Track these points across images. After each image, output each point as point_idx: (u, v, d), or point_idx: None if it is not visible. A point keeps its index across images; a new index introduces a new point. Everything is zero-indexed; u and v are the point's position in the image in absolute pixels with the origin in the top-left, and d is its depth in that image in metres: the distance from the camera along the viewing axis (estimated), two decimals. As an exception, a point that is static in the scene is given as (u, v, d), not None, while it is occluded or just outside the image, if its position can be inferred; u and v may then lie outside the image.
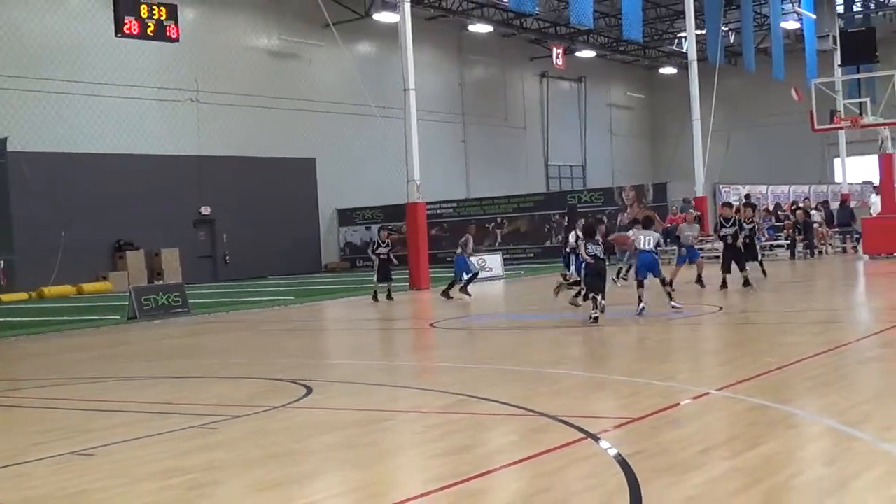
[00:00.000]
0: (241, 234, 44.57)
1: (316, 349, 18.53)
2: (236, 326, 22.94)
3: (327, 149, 48.66)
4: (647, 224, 21.06)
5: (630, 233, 21.52)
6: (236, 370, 14.83)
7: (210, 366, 15.83)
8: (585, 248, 19.12)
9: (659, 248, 20.35)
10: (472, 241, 29.48)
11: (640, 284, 19.91)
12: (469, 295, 27.69)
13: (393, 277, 28.10)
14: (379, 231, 29.43)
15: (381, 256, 27.76)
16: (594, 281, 18.96)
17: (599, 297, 18.73)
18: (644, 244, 19.97)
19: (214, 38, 44.81)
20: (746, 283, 24.06)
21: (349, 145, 49.42)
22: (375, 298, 27.80)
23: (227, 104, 44.47)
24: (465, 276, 28.20)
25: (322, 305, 28.29)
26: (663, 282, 20.23)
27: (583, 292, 20.80)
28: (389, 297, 27.82)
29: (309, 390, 12.12)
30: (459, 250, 28.84)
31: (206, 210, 44.02)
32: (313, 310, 27.05)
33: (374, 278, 27.90)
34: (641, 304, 19.37)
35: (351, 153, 49.56)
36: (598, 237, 19.47)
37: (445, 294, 27.89)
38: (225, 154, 44.27)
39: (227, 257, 44.57)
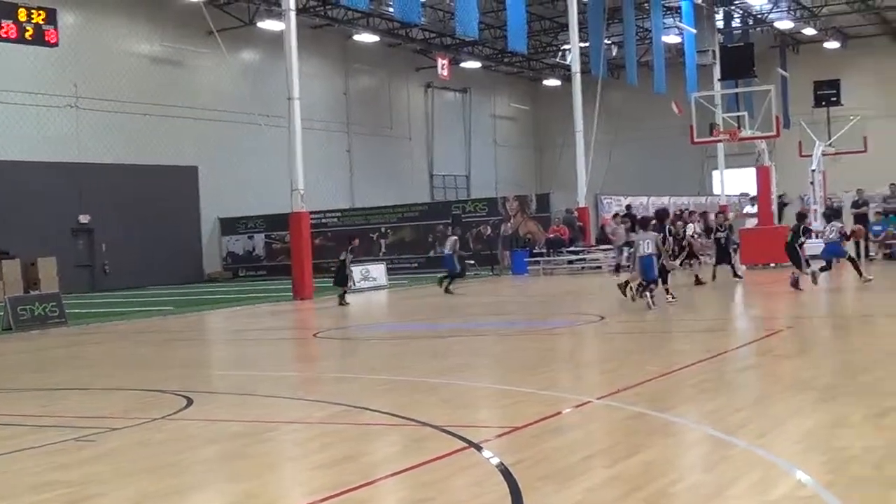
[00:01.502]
0: (121, 243, 43.82)
1: (197, 360, 18.31)
2: (115, 337, 22.60)
3: (210, 157, 48.15)
4: (643, 226, 22.55)
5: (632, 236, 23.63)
6: (114, 381, 14.62)
7: (87, 377, 15.58)
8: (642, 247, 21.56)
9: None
10: (458, 242, 33.50)
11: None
12: (451, 293, 30.72)
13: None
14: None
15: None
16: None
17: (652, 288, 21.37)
18: (644, 248, 21.47)
19: (95, 43, 44.06)
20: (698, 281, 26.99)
21: (233, 154, 48.97)
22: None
23: (107, 111, 43.74)
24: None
25: (203, 315, 28.01)
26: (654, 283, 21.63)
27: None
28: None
29: (190, 401, 11.98)
30: (448, 250, 32.60)
31: (85, 218, 43.22)
32: (194, 320, 26.76)
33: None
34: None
35: (234, 162, 49.13)
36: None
37: (447, 290, 31.04)
38: (105, 161, 43.50)
39: (107, 267, 43.82)
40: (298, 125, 32.38)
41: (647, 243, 21.49)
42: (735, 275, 29.43)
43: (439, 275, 33.52)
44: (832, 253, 26.04)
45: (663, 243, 22.63)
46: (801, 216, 27.41)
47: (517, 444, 8.76)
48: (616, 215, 37.93)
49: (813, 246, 28.06)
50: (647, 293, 21.36)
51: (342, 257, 29.30)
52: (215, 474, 8.53)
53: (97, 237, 43.72)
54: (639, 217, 25.45)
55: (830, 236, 25.92)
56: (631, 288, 23.05)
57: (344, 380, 13.70)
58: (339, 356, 17.50)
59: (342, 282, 28.97)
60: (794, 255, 25.17)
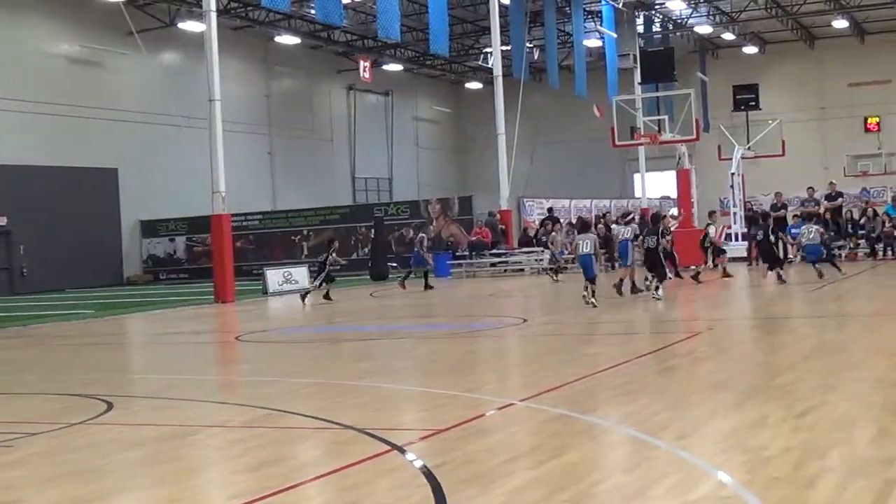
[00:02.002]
0: (40, 245, 43.19)
1: (117, 364, 18.10)
2: (33, 341, 22.30)
3: (131, 159, 47.58)
4: (583, 229, 23.81)
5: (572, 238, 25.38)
6: (32, 386, 14.43)
7: (5, 382, 15.34)
8: (644, 242, 23.95)
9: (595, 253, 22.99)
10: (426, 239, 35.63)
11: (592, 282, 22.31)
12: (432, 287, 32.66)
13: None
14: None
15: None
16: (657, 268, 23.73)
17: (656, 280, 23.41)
18: (583, 248, 22.51)
19: (11, 43, 43.39)
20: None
21: (153, 156, 48.45)
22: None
23: (25, 111, 43.06)
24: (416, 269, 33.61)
25: (123, 319, 27.72)
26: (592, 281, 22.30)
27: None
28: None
29: (110, 406, 11.84)
30: (416, 247, 34.51)
31: (1, 220, 42.59)
32: (114, 323, 26.48)
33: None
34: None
35: (155, 164, 48.61)
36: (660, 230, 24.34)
37: (427, 286, 32.54)
38: (22, 163, 42.86)
39: (25, 270, 43.19)
40: (219, 127, 32.14)
41: (585, 243, 22.55)
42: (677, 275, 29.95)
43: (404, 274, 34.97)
44: (813, 254, 26.60)
45: (658, 243, 24.06)
46: (712, 213, 28.37)
47: (441, 446, 8.77)
48: (558, 221, 38.22)
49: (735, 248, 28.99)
50: (588, 293, 22.08)
51: (322, 258, 30.47)
52: (137, 479, 8.45)
53: (14, 239, 43.05)
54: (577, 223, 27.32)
55: (810, 237, 26.46)
56: (634, 283, 25.11)
57: (266, 383, 13.63)
58: (261, 359, 17.40)
59: (328, 279, 30.02)
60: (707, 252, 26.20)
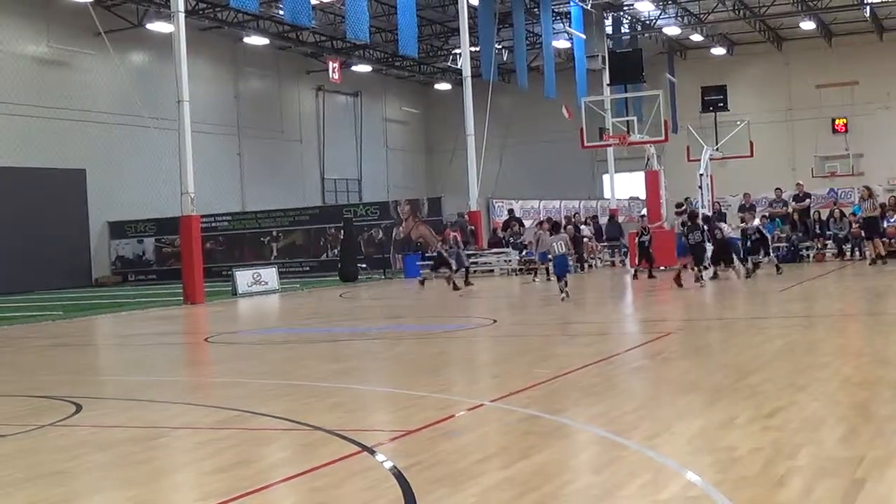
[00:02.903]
0: (6, 246, 42.81)
1: (85, 365, 18.00)
2: (1, 343, 22.15)
3: (99, 160, 47.38)
4: (555, 230, 26.94)
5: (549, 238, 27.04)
6: (1, 388, 14.33)
7: (-27, 384, 15.25)
8: (689, 237, 26.89)
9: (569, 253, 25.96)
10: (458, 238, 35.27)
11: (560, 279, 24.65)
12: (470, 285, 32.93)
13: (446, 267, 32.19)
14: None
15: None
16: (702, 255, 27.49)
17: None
18: (557, 249, 24.79)
19: (-23, 42, 43.24)
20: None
21: (122, 157, 48.29)
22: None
23: (-9, 112, 42.93)
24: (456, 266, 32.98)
25: (92, 320, 27.59)
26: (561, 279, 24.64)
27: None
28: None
29: (79, 408, 11.78)
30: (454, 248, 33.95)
31: (-32, 222, 42.36)
32: (82, 325, 26.33)
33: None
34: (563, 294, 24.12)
35: (123, 165, 48.45)
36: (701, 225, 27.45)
37: (467, 283, 32.99)
38: (-13, 164, 42.66)
39: (-9, 271, 42.98)
40: (188, 128, 32.02)
41: (559, 244, 24.92)
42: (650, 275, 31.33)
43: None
44: (560, 267, 27.96)
45: (703, 237, 27.41)
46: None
47: (410, 447, 8.77)
48: (541, 223, 38.26)
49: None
50: (561, 286, 24.41)
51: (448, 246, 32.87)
52: (105, 481, 8.40)
53: (-19, 241, 42.81)
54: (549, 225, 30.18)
55: (560, 251, 27.48)
56: (696, 271, 27.26)
57: (235, 384, 13.59)
58: (230, 360, 17.34)
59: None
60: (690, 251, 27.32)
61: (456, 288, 31.27)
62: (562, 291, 24.11)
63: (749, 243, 30.97)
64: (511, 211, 45.02)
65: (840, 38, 64.09)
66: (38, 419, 11.16)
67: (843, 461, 7.52)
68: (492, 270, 40.65)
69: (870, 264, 32.05)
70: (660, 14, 59.44)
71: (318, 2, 47.03)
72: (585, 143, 39.87)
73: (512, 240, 40.87)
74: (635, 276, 31.30)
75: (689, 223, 27.27)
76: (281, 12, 43.64)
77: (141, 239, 50.01)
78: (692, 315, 21.22)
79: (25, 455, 9.36)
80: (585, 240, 39.09)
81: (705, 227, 28.28)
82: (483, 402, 10.75)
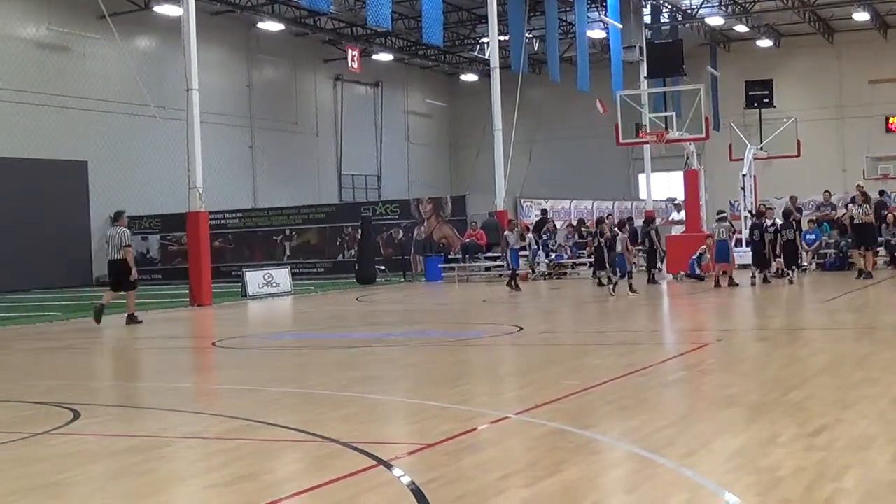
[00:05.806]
0: (3, 242, 43.02)
1: (85, 370, 18.08)
2: (-4, 344, 22.27)
3: (102, 151, 47.51)
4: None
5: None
6: (-5, 392, 14.40)
7: (-35, 387, 15.32)
8: (783, 235, 29.29)
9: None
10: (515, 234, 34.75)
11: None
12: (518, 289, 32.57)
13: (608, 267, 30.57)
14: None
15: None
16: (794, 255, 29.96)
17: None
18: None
19: (-27, 25, 43.43)
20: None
21: (126, 148, 48.37)
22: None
23: (-14, 99, 43.12)
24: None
25: (92, 322, 27.62)
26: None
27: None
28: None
29: (77, 415, 11.80)
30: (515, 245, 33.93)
31: (-37, 216, 42.54)
32: (83, 326, 26.42)
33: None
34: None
35: (128, 157, 48.53)
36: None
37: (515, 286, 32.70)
38: (-17, 155, 42.84)
39: (-13, 269, 43.16)
40: (197, 118, 32.07)
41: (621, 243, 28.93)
42: (652, 281, 32.05)
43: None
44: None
45: (795, 235, 30.06)
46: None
47: (430, 461, 8.76)
48: (601, 221, 37.76)
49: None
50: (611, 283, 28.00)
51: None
52: (103, 494, 8.41)
53: (-25, 236, 42.99)
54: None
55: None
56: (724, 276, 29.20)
57: (243, 392, 13.61)
58: (240, 366, 17.38)
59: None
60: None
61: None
62: (626, 289, 27.79)
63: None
64: (544, 211, 44.97)
65: (896, 31, 63.89)
66: (32, 427, 11.20)
67: (894, 485, 7.49)
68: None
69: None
70: (702, 3, 59.25)
71: (337, -15, 47.15)
72: (620, 140, 39.75)
73: (545, 237, 40.46)
74: (717, 284, 29.48)
75: (783, 220, 29.91)
76: (298, -4, 43.74)
77: (146, 236, 50.05)
78: (732, 325, 21.16)
79: (20, 464, 9.39)
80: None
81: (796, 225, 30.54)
82: (507, 414, 10.73)
